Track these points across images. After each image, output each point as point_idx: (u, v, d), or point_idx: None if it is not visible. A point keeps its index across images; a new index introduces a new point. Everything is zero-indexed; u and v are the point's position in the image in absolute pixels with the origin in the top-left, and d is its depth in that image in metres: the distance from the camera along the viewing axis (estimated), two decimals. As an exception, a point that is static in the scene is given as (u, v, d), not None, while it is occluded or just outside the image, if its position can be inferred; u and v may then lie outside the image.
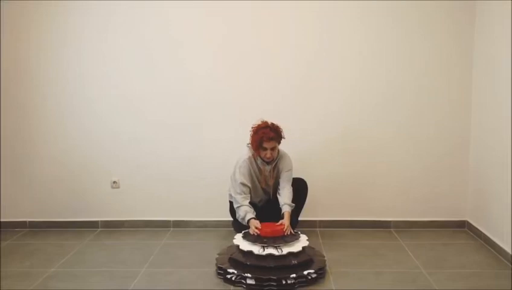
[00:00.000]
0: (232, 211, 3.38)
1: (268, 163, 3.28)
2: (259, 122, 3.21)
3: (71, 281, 2.91)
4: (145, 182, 3.86)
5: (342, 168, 3.81)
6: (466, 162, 3.75)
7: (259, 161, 3.28)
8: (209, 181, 3.82)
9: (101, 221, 3.91)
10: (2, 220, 3.89)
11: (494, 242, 3.33)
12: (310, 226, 3.71)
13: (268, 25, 3.69)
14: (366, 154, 3.78)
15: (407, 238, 3.59)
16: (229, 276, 2.84)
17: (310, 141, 3.73)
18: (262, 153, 3.20)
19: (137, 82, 3.76)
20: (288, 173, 3.30)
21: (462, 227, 3.80)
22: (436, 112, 3.72)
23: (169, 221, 3.90)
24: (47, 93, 3.79)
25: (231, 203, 3.38)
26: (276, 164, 3.31)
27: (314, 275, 2.82)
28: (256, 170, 3.29)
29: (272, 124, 3.19)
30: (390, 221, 3.84)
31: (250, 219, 3.08)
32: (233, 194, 3.27)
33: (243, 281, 2.78)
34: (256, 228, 2.99)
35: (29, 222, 3.91)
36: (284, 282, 2.75)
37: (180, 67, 3.74)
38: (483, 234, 3.49)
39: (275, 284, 2.73)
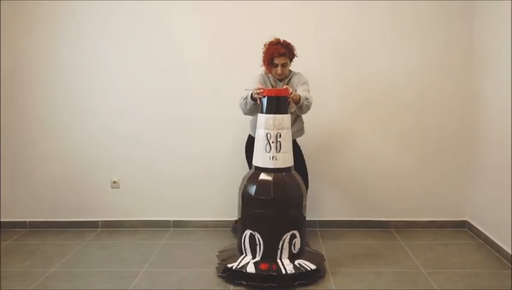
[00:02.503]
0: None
1: (280, 80, 3.24)
2: (272, 39, 3.15)
3: (71, 281, 2.91)
4: (145, 182, 3.86)
5: (342, 169, 3.81)
6: (466, 162, 3.75)
7: (271, 78, 3.24)
8: (209, 181, 3.83)
9: (101, 221, 3.91)
10: (2, 220, 3.90)
11: (494, 242, 3.33)
12: (310, 226, 3.71)
13: (268, 24, 3.68)
14: (366, 155, 3.78)
15: (407, 238, 3.59)
16: (230, 265, 2.82)
17: (308, 141, 3.73)
18: (273, 70, 3.15)
19: (138, 82, 3.77)
20: (304, 85, 3.17)
21: (462, 227, 3.80)
22: (436, 112, 3.73)
23: (169, 221, 3.90)
24: (47, 92, 3.79)
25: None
26: (289, 80, 3.25)
27: (313, 266, 2.82)
28: (269, 86, 3.23)
29: (284, 40, 3.14)
30: (390, 221, 3.84)
31: (252, 91, 2.97)
32: (240, 106, 3.18)
33: (243, 270, 2.75)
34: (259, 89, 2.88)
35: (29, 222, 3.91)
36: (283, 271, 2.72)
37: (181, 66, 3.74)
38: (483, 234, 3.49)
39: (275, 285, 2.73)
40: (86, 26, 3.72)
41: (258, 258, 2.81)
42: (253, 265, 2.77)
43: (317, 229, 3.79)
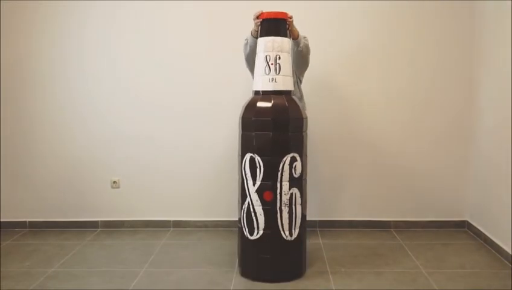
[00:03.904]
0: None
1: None
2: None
3: (71, 281, 2.91)
4: (145, 182, 3.86)
5: (341, 169, 3.81)
6: (466, 162, 3.75)
7: None
8: (209, 181, 3.83)
9: (101, 221, 3.91)
10: (2, 220, 3.90)
11: (494, 242, 3.33)
12: (310, 226, 3.71)
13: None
14: (366, 155, 3.78)
15: (406, 238, 3.59)
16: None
17: (309, 142, 3.73)
18: None
19: (138, 82, 3.77)
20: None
21: (462, 227, 3.80)
22: (437, 113, 3.73)
23: (169, 221, 3.90)
24: (47, 93, 3.80)
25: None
26: None
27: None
28: None
29: None
30: (390, 221, 3.84)
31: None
32: (243, 51, 3.19)
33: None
34: (257, 13, 2.87)
35: (29, 222, 3.91)
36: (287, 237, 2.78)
37: (182, 67, 3.75)
38: (483, 234, 3.49)
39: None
40: (86, 26, 3.73)
41: (258, 183, 2.78)
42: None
43: (317, 229, 3.80)
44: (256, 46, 2.96)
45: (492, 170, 3.38)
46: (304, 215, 2.89)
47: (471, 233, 3.69)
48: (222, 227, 3.82)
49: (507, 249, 3.15)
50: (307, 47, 3.14)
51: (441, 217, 3.82)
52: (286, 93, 2.83)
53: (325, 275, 2.94)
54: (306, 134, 2.91)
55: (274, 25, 2.80)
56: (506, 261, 3.13)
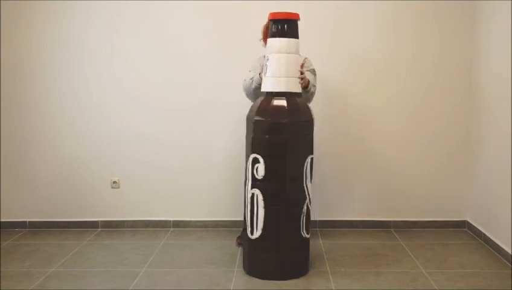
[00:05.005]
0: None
1: None
2: None
3: (71, 281, 2.91)
4: (145, 182, 3.86)
5: (341, 169, 3.81)
6: (466, 162, 3.75)
7: None
8: (209, 181, 3.83)
9: (101, 221, 3.91)
10: (2, 220, 3.89)
11: (494, 242, 3.33)
12: (311, 226, 3.70)
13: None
14: (366, 155, 3.78)
15: (406, 238, 3.59)
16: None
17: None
18: None
19: (138, 82, 3.77)
20: (311, 73, 3.14)
21: (462, 227, 3.80)
22: (437, 113, 3.73)
23: (169, 221, 3.90)
24: (47, 92, 3.79)
25: None
26: None
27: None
28: None
29: None
30: (390, 221, 3.84)
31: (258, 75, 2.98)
32: (243, 87, 3.20)
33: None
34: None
35: (29, 222, 3.91)
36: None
37: (181, 66, 3.74)
38: (483, 234, 3.49)
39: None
40: (86, 26, 3.72)
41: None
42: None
43: (317, 229, 3.79)
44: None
45: (493, 170, 3.38)
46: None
47: (471, 233, 3.69)
48: (222, 227, 3.82)
49: (507, 249, 3.15)
50: (313, 95, 3.16)
51: (441, 217, 3.82)
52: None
53: (325, 275, 2.94)
54: (312, 137, 2.95)
55: (282, 25, 2.78)
56: (506, 261, 3.13)
